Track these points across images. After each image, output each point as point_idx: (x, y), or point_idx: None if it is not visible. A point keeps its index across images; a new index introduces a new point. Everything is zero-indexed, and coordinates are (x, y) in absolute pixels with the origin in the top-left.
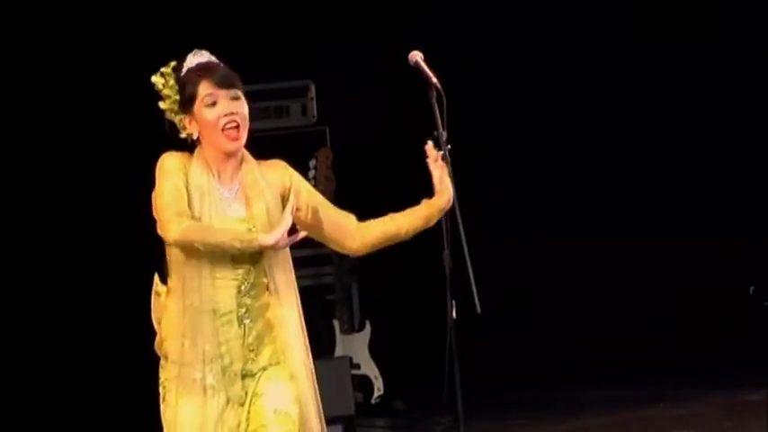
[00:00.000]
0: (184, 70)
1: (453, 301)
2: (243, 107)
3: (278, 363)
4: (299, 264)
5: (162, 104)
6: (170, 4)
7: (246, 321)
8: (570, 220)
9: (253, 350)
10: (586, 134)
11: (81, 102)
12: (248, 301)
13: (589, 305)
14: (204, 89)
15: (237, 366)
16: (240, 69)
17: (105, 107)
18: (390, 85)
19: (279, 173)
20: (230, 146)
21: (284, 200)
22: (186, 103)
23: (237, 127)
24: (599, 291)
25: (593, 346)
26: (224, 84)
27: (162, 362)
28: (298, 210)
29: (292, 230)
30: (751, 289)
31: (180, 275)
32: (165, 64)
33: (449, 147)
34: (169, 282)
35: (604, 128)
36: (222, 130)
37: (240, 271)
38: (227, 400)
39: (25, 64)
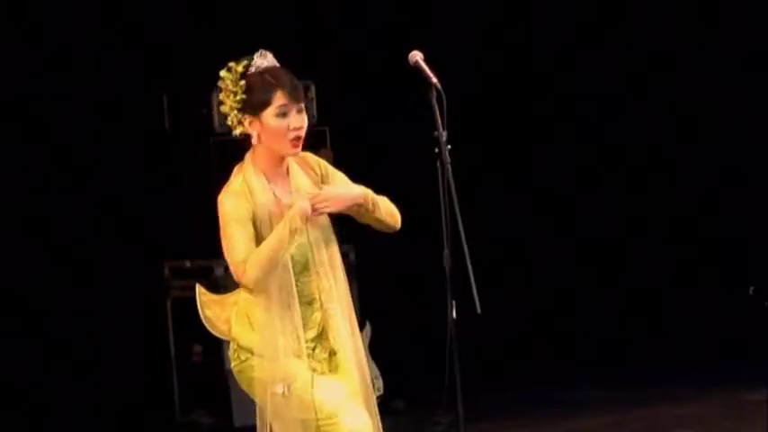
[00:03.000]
0: (252, 70)
1: (453, 302)
2: (306, 120)
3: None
4: None
5: (223, 99)
6: (170, 3)
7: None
8: (570, 220)
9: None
10: (586, 133)
11: (85, 98)
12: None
13: (589, 305)
14: (278, 99)
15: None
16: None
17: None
18: (390, 85)
19: (312, 168)
20: (292, 152)
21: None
22: (255, 107)
23: (300, 138)
24: (599, 290)
25: (593, 346)
26: (296, 98)
27: (243, 357)
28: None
29: None
30: (751, 289)
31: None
32: (179, 63)
33: (449, 147)
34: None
35: (604, 126)
36: (290, 140)
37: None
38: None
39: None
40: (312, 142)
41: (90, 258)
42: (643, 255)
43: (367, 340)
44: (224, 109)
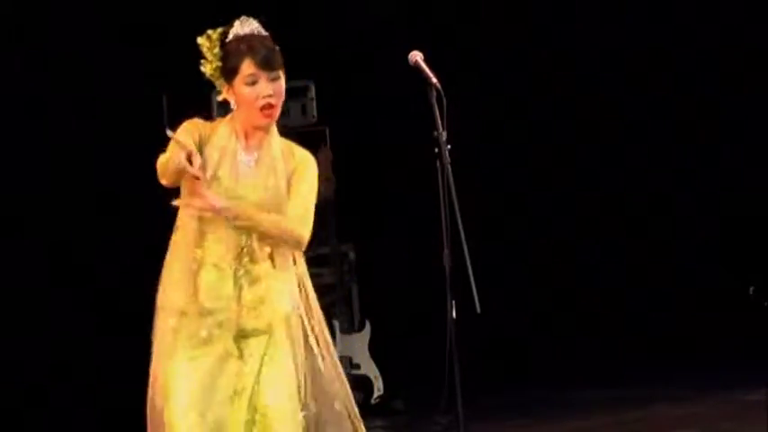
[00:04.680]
0: (230, 37)
1: (453, 301)
2: (280, 87)
3: (269, 330)
4: None
5: (203, 67)
6: (170, 3)
7: (244, 282)
8: (570, 220)
9: (252, 309)
10: (586, 133)
11: (80, 93)
12: (248, 263)
13: (589, 305)
14: (247, 68)
15: (233, 323)
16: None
17: (104, 98)
18: (390, 85)
19: (297, 157)
20: (263, 122)
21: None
22: (227, 74)
23: (273, 106)
24: (598, 291)
25: (593, 347)
26: (266, 65)
27: (159, 312)
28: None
29: None
30: (751, 289)
31: (185, 231)
32: (178, 63)
33: (449, 147)
34: (173, 236)
35: (604, 126)
36: (259, 109)
37: (243, 234)
38: (224, 353)
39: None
40: (312, 142)
41: (89, 258)
42: (644, 255)
43: (367, 340)
44: (205, 73)
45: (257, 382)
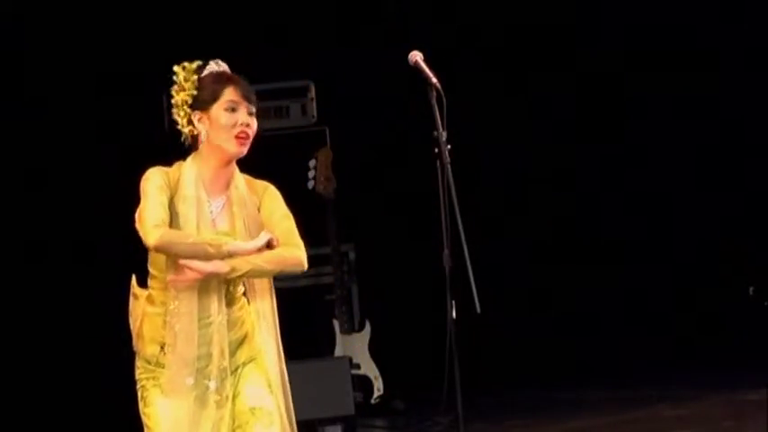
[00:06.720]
0: (206, 72)
1: (453, 301)
2: (255, 123)
3: (252, 359)
4: None
5: (175, 95)
6: (170, 3)
7: (223, 328)
8: (569, 220)
9: (233, 353)
10: (586, 134)
11: (74, 104)
12: (226, 308)
13: (589, 305)
14: (229, 94)
15: (214, 369)
16: (240, 69)
17: (98, 111)
18: (390, 85)
19: (259, 192)
20: (236, 149)
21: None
22: (204, 102)
23: (248, 136)
24: (599, 291)
25: (594, 346)
26: (247, 97)
27: (138, 362)
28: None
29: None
30: (751, 289)
31: (162, 281)
32: (178, 62)
33: (449, 147)
34: (150, 286)
35: (604, 128)
36: (235, 135)
37: (217, 280)
38: (206, 400)
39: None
40: (312, 142)
41: (89, 257)
42: (642, 254)
43: (367, 340)
44: (174, 102)
45: (237, 393)
